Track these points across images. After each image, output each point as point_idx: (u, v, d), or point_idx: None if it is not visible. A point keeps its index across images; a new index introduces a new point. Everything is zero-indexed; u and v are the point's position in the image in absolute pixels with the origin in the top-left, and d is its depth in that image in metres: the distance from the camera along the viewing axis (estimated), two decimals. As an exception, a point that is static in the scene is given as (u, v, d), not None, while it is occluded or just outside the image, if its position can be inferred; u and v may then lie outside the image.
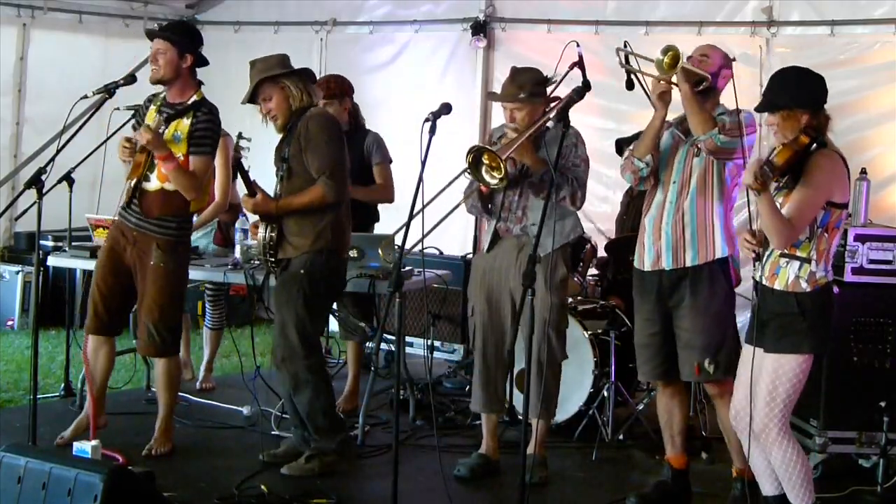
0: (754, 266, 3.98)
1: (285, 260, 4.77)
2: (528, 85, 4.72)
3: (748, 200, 3.80)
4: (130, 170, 4.83)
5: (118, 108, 4.84)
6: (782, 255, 3.86)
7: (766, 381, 3.85)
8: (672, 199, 4.40)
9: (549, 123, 4.56)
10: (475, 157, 4.50)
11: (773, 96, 3.89)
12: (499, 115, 7.73)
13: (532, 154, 4.66)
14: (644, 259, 4.48)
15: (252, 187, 4.78)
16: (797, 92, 3.85)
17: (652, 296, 4.45)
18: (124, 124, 5.08)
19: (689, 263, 4.36)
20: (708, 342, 4.34)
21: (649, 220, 4.47)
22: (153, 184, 4.83)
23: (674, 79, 4.25)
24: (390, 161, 5.93)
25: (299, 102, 4.72)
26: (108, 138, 4.95)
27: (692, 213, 4.36)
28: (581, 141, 4.81)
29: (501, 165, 4.44)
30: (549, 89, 4.71)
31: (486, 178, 4.52)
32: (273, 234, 4.75)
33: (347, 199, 4.88)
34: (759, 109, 3.96)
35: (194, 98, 4.86)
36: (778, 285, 3.87)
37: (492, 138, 4.95)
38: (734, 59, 4.53)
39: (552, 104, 4.71)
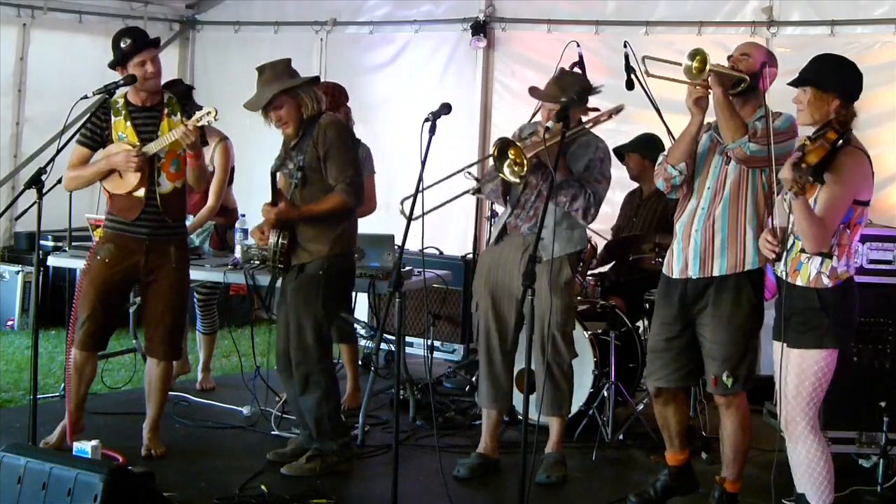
0: (773, 264, 3.96)
1: (299, 265, 4.75)
2: (572, 90, 4.68)
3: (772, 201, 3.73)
4: (136, 180, 4.72)
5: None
6: (803, 251, 3.83)
7: (791, 375, 3.84)
8: (704, 205, 4.22)
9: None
10: (501, 149, 4.49)
11: (807, 73, 3.82)
12: (498, 115, 7.81)
13: (558, 159, 4.64)
14: (673, 266, 4.31)
15: (277, 196, 4.74)
16: (833, 77, 3.79)
17: (674, 300, 4.29)
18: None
19: (716, 273, 4.19)
20: (727, 355, 4.19)
21: (680, 226, 4.30)
22: (166, 186, 4.81)
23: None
24: (374, 172, 5.92)
25: (311, 111, 4.70)
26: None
27: (723, 220, 4.17)
28: (608, 157, 4.81)
29: (525, 163, 4.43)
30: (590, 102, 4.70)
31: (507, 172, 4.50)
32: (285, 241, 4.72)
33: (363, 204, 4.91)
34: (791, 83, 3.86)
35: (167, 95, 4.85)
36: (800, 281, 3.84)
37: (522, 133, 4.91)
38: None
39: (590, 114, 4.72)
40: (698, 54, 4.01)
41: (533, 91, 4.80)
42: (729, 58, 4.19)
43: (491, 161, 4.63)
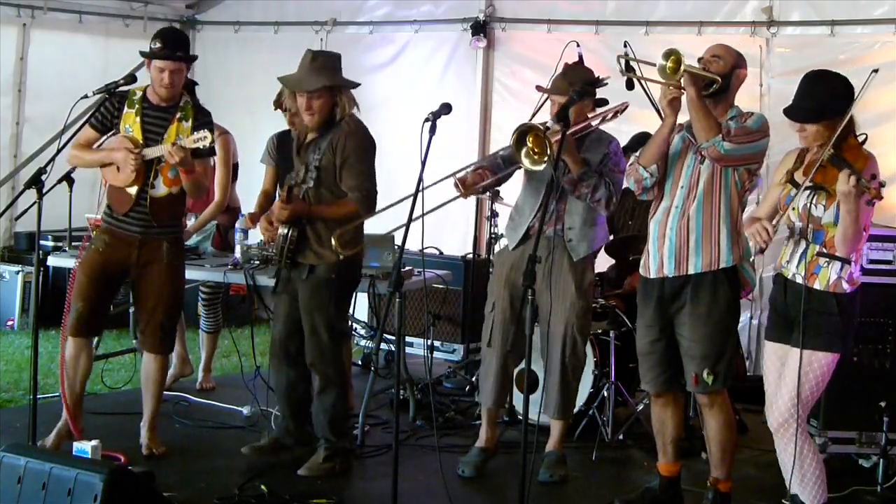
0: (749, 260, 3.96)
1: (308, 265, 4.73)
2: (579, 83, 4.68)
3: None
4: (131, 178, 4.73)
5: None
6: (820, 255, 3.83)
7: (791, 377, 3.85)
8: (679, 203, 4.23)
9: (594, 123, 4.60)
10: (520, 136, 4.39)
11: (808, 102, 3.82)
12: (498, 115, 7.81)
13: (573, 153, 4.63)
14: (649, 266, 4.33)
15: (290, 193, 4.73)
16: (836, 103, 3.79)
17: (653, 302, 4.32)
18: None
19: (691, 271, 4.21)
20: (707, 352, 4.21)
21: (654, 225, 4.32)
22: (160, 190, 4.80)
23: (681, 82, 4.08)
24: None
25: (341, 115, 4.71)
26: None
27: (698, 218, 4.19)
28: (621, 152, 4.85)
29: (548, 150, 4.29)
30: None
31: (526, 161, 4.40)
32: (294, 235, 4.69)
33: None
34: (796, 118, 3.84)
35: (185, 99, 4.84)
36: (818, 285, 3.85)
37: None
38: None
39: (599, 107, 4.73)
40: (672, 54, 4.04)
41: (540, 88, 4.81)
42: (700, 60, 4.20)
43: (503, 151, 4.64)
